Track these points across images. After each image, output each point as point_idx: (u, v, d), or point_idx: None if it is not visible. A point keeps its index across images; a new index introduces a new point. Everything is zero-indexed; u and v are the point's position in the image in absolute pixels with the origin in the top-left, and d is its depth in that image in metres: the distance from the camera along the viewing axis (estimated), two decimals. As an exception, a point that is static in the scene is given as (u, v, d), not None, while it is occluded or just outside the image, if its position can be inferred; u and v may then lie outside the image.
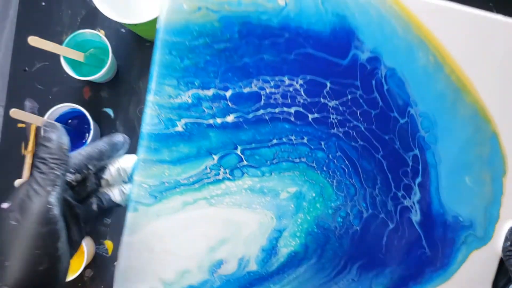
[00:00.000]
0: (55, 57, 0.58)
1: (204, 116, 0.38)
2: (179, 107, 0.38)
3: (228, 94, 0.38)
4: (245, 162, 0.40)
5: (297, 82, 0.40)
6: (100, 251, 0.70)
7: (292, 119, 0.40)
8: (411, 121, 0.43)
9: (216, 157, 0.39)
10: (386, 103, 0.42)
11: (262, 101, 0.39)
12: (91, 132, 0.59)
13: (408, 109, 0.43)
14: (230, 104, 0.39)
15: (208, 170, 0.39)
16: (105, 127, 0.64)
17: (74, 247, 0.36)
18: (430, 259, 0.47)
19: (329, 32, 0.39)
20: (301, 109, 0.40)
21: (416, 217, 0.46)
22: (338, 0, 0.39)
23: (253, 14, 0.37)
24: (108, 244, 0.68)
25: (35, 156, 0.37)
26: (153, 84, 0.37)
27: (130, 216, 0.39)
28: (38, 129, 0.62)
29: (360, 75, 0.41)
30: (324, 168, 0.42)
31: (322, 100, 0.40)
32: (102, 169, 0.38)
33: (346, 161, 0.42)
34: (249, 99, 0.39)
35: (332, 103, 0.41)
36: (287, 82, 0.39)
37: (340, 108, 0.41)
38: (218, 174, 0.40)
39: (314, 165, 0.42)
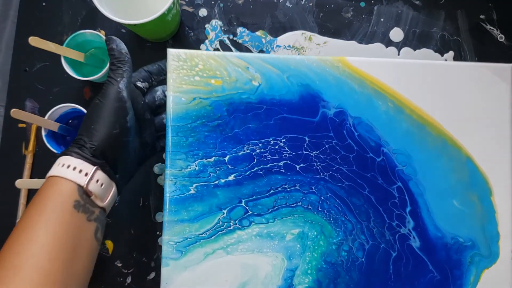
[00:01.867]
0: (56, 57, 0.55)
1: (210, 179, 0.46)
2: (189, 175, 0.46)
3: (227, 158, 0.47)
4: (250, 212, 0.47)
5: (280, 141, 0.47)
6: (100, 251, 0.65)
7: (283, 170, 0.47)
8: (386, 158, 0.49)
9: (225, 211, 0.46)
10: (360, 147, 0.48)
11: (255, 160, 0.47)
12: (92, 132, 0.60)
13: (382, 149, 0.49)
14: (229, 166, 0.47)
15: (221, 223, 0.46)
16: (106, 128, 0.67)
17: (146, 147, 0.48)
18: (441, 282, 0.49)
19: (298, 99, 0.48)
20: (288, 162, 0.47)
21: (415, 243, 0.49)
22: (299, 73, 0.48)
23: (235, 96, 0.47)
24: (108, 243, 0.63)
25: (110, 61, 0.44)
26: (168, 161, 0.46)
27: (163, 270, 0.45)
28: (38, 129, 0.60)
29: (331, 127, 0.48)
30: (319, 209, 0.48)
31: (304, 152, 0.48)
32: (162, 81, 0.49)
33: (337, 200, 0.48)
34: (244, 160, 0.47)
35: (313, 153, 0.48)
36: (272, 142, 0.47)
37: (321, 156, 0.48)
38: (229, 225, 0.46)
39: (310, 207, 0.47)
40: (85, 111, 0.53)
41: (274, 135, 0.47)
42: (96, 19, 0.61)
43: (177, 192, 0.46)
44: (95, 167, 0.41)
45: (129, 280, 0.57)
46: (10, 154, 0.60)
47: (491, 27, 0.57)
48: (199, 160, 0.46)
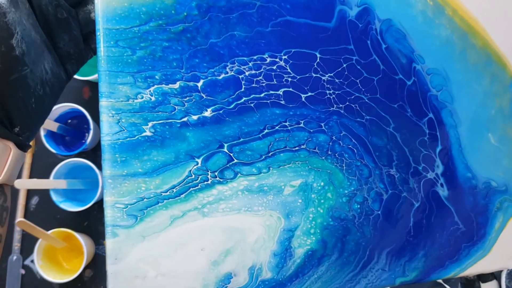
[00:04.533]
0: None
1: (175, 115, 0.28)
2: (141, 109, 0.27)
3: (200, 84, 0.28)
4: (235, 160, 0.29)
5: (280, 59, 0.29)
6: (100, 251, 0.63)
7: (283, 102, 0.29)
8: (419, 79, 0.32)
9: (199, 160, 0.29)
10: (387, 64, 0.31)
11: (243, 87, 0.28)
12: (91, 132, 0.54)
13: (414, 65, 0.31)
14: (204, 96, 0.28)
15: (193, 176, 0.29)
16: (105, 127, 0.61)
17: (68, 58, 0.28)
18: (465, 234, 0.36)
19: (308, -10, 0.28)
20: (290, 89, 0.29)
21: (443, 192, 0.34)
22: (312, -51, 0.28)
23: (211, -17, 0.27)
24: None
25: None
26: (103, 87, 0.26)
27: (109, 243, 0.29)
28: None
29: (352, 36, 0.30)
30: (329, 152, 0.31)
31: (313, 74, 0.29)
32: None
33: (353, 140, 0.31)
34: (226, 87, 0.28)
35: (326, 77, 0.30)
36: (268, 60, 0.28)
37: (336, 80, 0.30)
38: (206, 179, 0.29)
39: (317, 151, 0.31)
40: (84, 111, 0.50)
41: (271, 49, 0.28)
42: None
43: (124, 134, 0.27)
44: None
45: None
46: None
47: None
48: (156, 86, 0.27)
